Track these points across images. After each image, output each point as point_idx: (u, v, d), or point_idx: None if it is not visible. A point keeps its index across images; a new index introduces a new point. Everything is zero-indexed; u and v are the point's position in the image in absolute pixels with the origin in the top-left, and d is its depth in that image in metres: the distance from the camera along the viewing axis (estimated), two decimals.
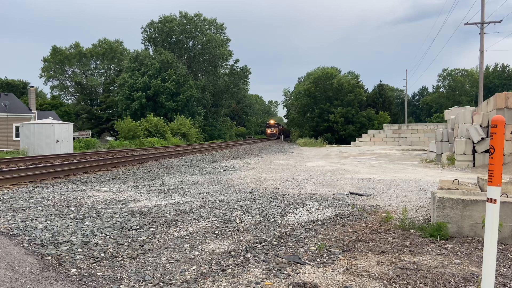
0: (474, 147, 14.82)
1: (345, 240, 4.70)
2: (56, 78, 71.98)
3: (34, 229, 5.03)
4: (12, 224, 5.32)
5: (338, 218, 5.89)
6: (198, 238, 4.77)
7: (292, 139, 61.27)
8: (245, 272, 3.61)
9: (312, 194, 8.28)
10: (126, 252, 4.18)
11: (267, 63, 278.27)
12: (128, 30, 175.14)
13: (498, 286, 3.28)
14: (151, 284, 3.33)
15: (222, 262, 3.88)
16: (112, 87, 67.15)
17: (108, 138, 51.51)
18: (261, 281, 3.37)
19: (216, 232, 5.03)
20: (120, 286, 3.30)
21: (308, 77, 59.01)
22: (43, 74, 70.32)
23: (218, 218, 5.80)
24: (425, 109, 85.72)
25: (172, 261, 3.92)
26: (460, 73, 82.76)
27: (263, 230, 5.16)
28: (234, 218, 5.83)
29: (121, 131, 39.07)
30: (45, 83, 78.85)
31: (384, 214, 6.05)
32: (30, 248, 4.29)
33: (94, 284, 3.34)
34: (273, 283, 3.34)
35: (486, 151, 14.46)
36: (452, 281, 3.37)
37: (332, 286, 3.29)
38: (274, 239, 4.67)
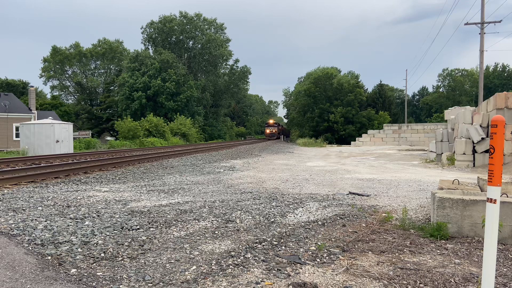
0: (474, 147, 14.82)
1: (345, 240, 4.70)
2: (56, 78, 72.02)
3: (34, 229, 5.03)
4: (12, 224, 5.32)
5: (338, 218, 5.89)
6: (198, 238, 4.77)
7: (292, 139, 61.27)
8: (245, 272, 3.61)
9: (312, 194, 8.28)
10: (126, 252, 4.18)
11: (267, 63, 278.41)
12: (128, 30, 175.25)
13: (498, 286, 3.28)
14: (151, 284, 3.33)
15: (222, 262, 3.88)
16: (112, 87, 67.17)
17: (108, 138, 51.51)
18: (261, 281, 3.37)
19: (216, 232, 5.03)
20: (120, 286, 3.30)
21: (308, 77, 59.03)
22: (43, 74, 70.35)
23: (218, 218, 5.80)
24: (425, 109, 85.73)
25: (172, 261, 3.92)
26: (460, 73, 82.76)
27: (263, 230, 5.16)
28: (234, 218, 5.83)
29: (121, 131, 39.07)
30: (45, 83, 78.96)
31: (384, 214, 6.05)
32: (30, 248, 4.29)
33: (94, 284, 3.34)
34: (273, 283, 3.34)
35: (486, 151, 14.47)
36: (452, 281, 3.37)
37: (332, 286, 3.29)
38: (274, 239, 4.67)
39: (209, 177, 11.63)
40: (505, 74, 75.26)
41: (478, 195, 5.07)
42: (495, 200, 2.52)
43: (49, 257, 4.00)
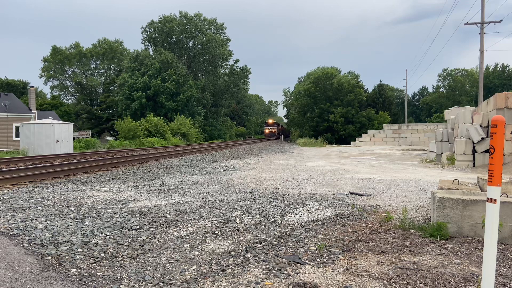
0: (474, 147, 14.82)
1: (345, 240, 4.70)
2: (56, 78, 72.00)
3: (34, 229, 5.03)
4: (12, 224, 5.32)
5: (338, 218, 5.89)
6: (198, 238, 4.77)
7: (292, 139, 61.24)
8: (245, 272, 3.61)
9: (312, 194, 8.28)
10: (126, 252, 4.18)
11: (267, 63, 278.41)
12: (128, 30, 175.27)
13: (498, 286, 3.28)
14: (151, 284, 3.33)
15: (222, 262, 3.88)
16: (112, 87, 67.16)
17: (108, 138, 51.50)
18: (261, 281, 3.37)
19: (216, 232, 5.03)
20: (120, 286, 3.30)
21: (308, 77, 59.03)
22: (43, 74, 70.34)
23: (218, 218, 5.80)
24: (425, 109, 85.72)
25: (172, 261, 3.92)
26: (460, 73, 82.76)
27: (263, 230, 5.16)
28: (234, 218, 5.83)
29: (121, 131, 39.07)
30: (45, 83, 78.90)
31: (384, 214, 6.05)
32: (30, 248, 4.29)
33: (94, 284, 3.34)
34: (273, 283, 3.34)
35: (486, 151, 14.46)
36: (452, 281, 3.37)
37: (332, 286, 3.29)
38: (274, 239, 4.67)
39: (209, 177, 11.63)
40: (505, 74, 75.25)
41: (478, 195, 5.07)
42: (495, 200, 2.52)
43: (49, 257, 4.00)
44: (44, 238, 4.62)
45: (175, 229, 5.16)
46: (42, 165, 14.29)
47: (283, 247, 4.38)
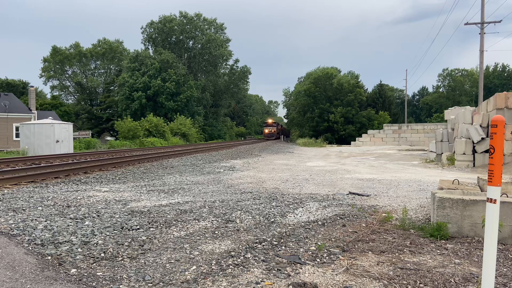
0: (474, 147, 14.82)
1: (345, 240, 4.70)
2: (56, 78, 72.00)
3: (34, 229, 5.03)
4: (12, 224, 5.32)
5: (338, 218, 5.89)
6: (198, 238, 4.77)
7: (292, 139, 61.22)
8: (245, 272, 3.61)
9: (312, 194, 8.28)
10: (126, 252, 4.18)
11: (267, 63, 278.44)
12: (128, 30, 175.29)
13: (498, 286, 3.28)
14: (151, 284, 3.33)
15: (222, 262, 3.88)
16: (112, 87, 67.16)
17: (108, 138, 51.51)
18: (261, 281, 3.37)
19: (216, 232, 5.03)
20: (120, 286, 3.30)
21: (308, 77, 59.03)
22: (43, 74, 70.33)
23: (218, 218, 5.80)
24: (425, 109, 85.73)
25: (172, 261, 3.92)
26: (460, 73, 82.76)
27: (263, 230, 5.16)
28: (234, 218, 5.83)
29: (121, 131, 39.07)
30: (45, 83, 78.91)
31: (384, 214, 6.05)
32: (30, 248, 4.29)
33: (94, 284, 3.34)
34: (273, 283, 3.34)
35: (486, 151, 14.47)
36: (452, 281, 3.37)
37: (332, 286, 3.29)
38: (274, 239, 4.67)
39: (209, 177, 11.63)
40: (505, 74, 75.25)
41: (478, 195, 5.07)
42: (495, 200, 2.52)
43: (49, 257, 4.00)
44: (44, 238, 4.62)
45: (175, 229, 5.16)
46: (42, 165, 14.29)
47: (283, 247, 4.38)
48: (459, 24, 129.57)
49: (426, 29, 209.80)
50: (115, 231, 5.00)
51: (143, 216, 5.90)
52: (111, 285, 3.31)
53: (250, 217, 5.88)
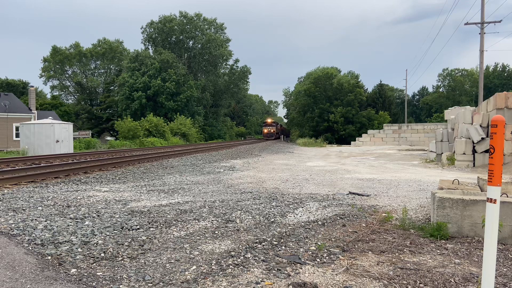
0: (474, 147, 14.82)
1: (345, 240, 4.70)
2: (56, 78, 72.00)
3: (34, 229, 5.03)
4: (12, 224, 5.32)
5: (338, 218, 5.89)
6: (198, 238, 4.77)
7: (292, 139, 61.19)
8: (245, 272, 3.61)
9: (312, 194, 8.28)
10: (126, 252, 4.18)
11: (267, 63, 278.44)
12: (128, 30, 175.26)
13: (498, 286, 3.28)
14: (151, 284, 3.33)
15: (222, 262, 3.88)
16: (112, 87, 67.16)
17: (108, 138, 51.50)
18: (261, 281, 3.37)
19: (216, 232, 5.03)
20: (120, 286, 3.30)
21: (308, 77, 59.03)
22: (43, 74, 70.33)
23: (218, 218, 5.80)
24: (425, 109, 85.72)
25: (172, 261, 3.92)
26: (460, 73, 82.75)
27: (263, 230, 5.16)
28: (234, 218, 5.83)
29: (121, 131, 39.07)
30: (45, 83, 78.88)
31: (384, 214, 6.05)
32: (30, 248, 4.29)
33: (94, 284, 3.34)
34: (273, 283, 3.34)
35: (486, 151, 14.47)
36: (452, 281, 3.37)
37: (332, 286, 3.29)
38: (274, 239, 4.67)
39: (209, 177, 11.63)
40: (505, 74, 75.25)
41: (478, 195, 5.07)
42: (495, 200, 2.52)
43: (49, 257, 4.00)
44: (44, 238, 4.62)
45: (175, 229, 5.16)
46: (42, 165, 14.29)
47: (283, 247, 4.38)
48: (459, 24, 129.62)
49: (426, 29, 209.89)
50: (115, 231, 5.00)
51: (143, 216, 5.90)
52: (111, 285, 3.31)
53: (250, 217, 5.88)
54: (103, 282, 3.38)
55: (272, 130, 68.21)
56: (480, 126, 14.96)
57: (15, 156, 21.38)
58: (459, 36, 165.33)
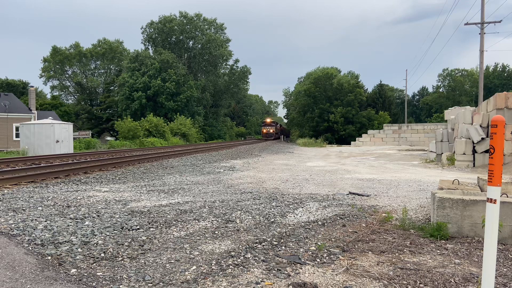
0: (474, 147, 14.82)
1: (345, 240, 4.70)
2: (56, 78, 72.02)
3: (34, 229, 5.03)
4: (12, 224, 5.32)
5: (338, 218, 5.89)
6: (198, 238, 4.77)
7: (292, 139, 61.19)
8: (245, 272, 3.61)
9: (312, 194, 8.28)
10: (126, 252, 4.18)
11: (267, 63, 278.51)
12: (128, 30, 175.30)
13: (498, 286, 3.28)
14: (151, 284, 3.33)
15: (222, 262, 3.88)
16: (112, 87, 67.17)
17: (108, 138, 51.52)
18: (261, 281, 3.37)
19: (216, 232, 5.03)
20: (120, 286, 3.30)
21: (308, 77, 59.07)
22: (43, 74, 70.36)
23: (218, 218, 5.80)
24: (425, 109, 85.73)
25: (172, 261, 3.92)
26: (460, 73, 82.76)
27: (263, 230, 5.16)
28: (234, 218, 5.83)
29: (121, 131, 39.07)
30: (45, 83, 78.95)
31: (384, 214, 6.05)
32: (30, 248, 4.29)
33: (94, 284, 3.34)
34: (273, 283, 3.34)
35: (486, 151, 14.47)
36: (452, 281, 3.37)
37: (332, 286, 3.29)
38: (274, 239, 4.67)
39: (209, 177, 11.63)
40: (505, 74, 75.26)
41: (478, 195, 5.07)
42: (495, 200, 2.52)
43: (49, 257, 4.00)
44: (44, 238, 4.62)
45: (175, 229, 5.16)
46: (42, 165, 14.29)
47: (283, 247, 4.38)
48: (459, 24, 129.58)
49: (426, 29, 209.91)
50: (115, 231, 5.00)
51: (143, 216, 5.90)
52: (111, 285, 3.31)
53: (250, 217, 5.88)
54: (103, 282, 3.38)
55: (271, 130, 66.91)
56: (480, 126, 14.96)
57: (15, 156, 21.38)
58: (459, 36, 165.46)
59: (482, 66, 27.66)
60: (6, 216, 5.81)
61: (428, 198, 7.50)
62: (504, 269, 3.71)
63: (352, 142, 40.12)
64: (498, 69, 76.35)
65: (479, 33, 26.80)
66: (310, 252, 4.19)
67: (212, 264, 3.81)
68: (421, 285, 3.29)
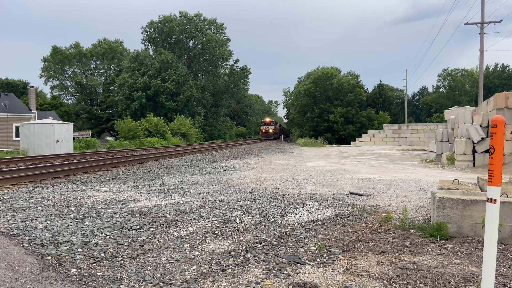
0: (474, 147, 14.82)
1: (345, 240, 4.70)
2: (56, 78, 72.00)
3: (34, 229, 5.03)
4: (12, 224, 5.32)
5: (338, 218, 5.89)
6: (198, 238, 4.77)
7: (292, 139, 61.15)
8: (245, 272, 3.61)
9: (312, 194, 8.28)
10: (126, 252, 4.18)
11: (267, 63, 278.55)
12: (128, 30, 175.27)
13: (498, 286, 3.28)
14: (151, 284, 3.33)
15: (222, 262, 3.88)
16: (112, 87, 67.18)
17: (108, 138, 51.53)
18: (261, 281, 3.37)
19: (216, 232, 5.03)
20: (120, 286, 3.30)
21: (308, 77, 59.04)
22: (43, 74, 70.33)
23: (218, 218, 5.80)
24: (425, 109, 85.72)
25: (172, 261, 3.92)
26: (460, 73, 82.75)
27: (263, 230, 5.16)
28: (234, 218, 5.83)
29: (121, 131, 39.08)
30: (45, 83, 78.87)
31: (384, 214, 6.05)
32: (30, 248, 4.29)
33: (94, 284, 3.34)
34: (273, 283, 3.34)
35: (486, 151, 14.47)
36: (452, 281, 3.37)
37: (332, 286, 3.29)
38: (274, 239, 4.67)
39: (209, 177, 11.63)
40: (505, 74, 75.25)
41: (478, 195, 5.07)
42: (495, 200, 2.52)
43: (49, 257, 4.00)
44: (44, 238, 4.62)
45: (175, 229, 5.16)
46: (42, 165, 14.29)
47: (283, 247, 4.38)
48: (459, 24, 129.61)
49: (426, 29, 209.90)
50: (115, 231, 5.00)
51: (143, 216, 5.90)
52: (111, 285, 3.31)
53: (250, 217, 5.88)
54: (103, 282, 3.38)
55: (270, 130, 65.25)
56: (480, 126, 14.96)
57: (15, 156, 21.38)
58: (459, 36, 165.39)
59: (482, 66, 27.66)
60: (6, 216, 5.81)
61: (428, 198, 7.50)
62: (504, 269, 3.71)
63: (352, 142, 40.12)
64: (498, 69, 76.34)
65: (479, 33, 26.80)
66: (310, 252, 4.20)
67: (212, 264, 3.81)
68: (421, 285, 3.29)
